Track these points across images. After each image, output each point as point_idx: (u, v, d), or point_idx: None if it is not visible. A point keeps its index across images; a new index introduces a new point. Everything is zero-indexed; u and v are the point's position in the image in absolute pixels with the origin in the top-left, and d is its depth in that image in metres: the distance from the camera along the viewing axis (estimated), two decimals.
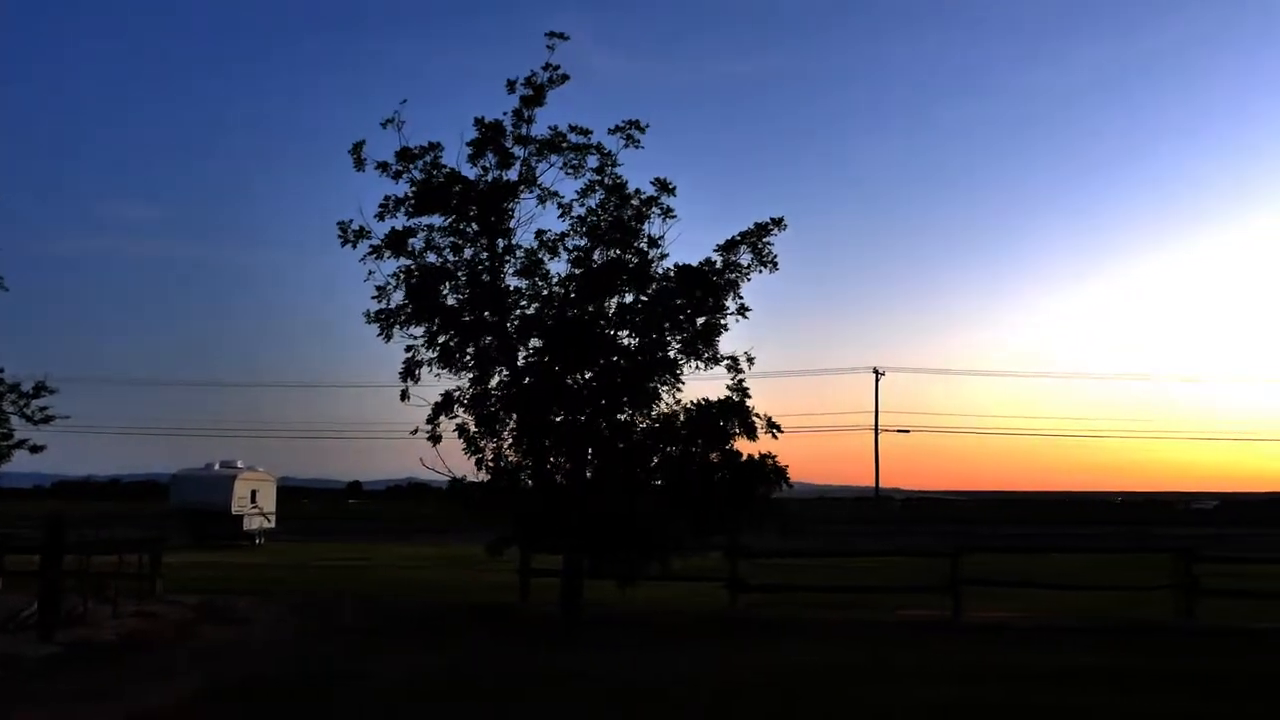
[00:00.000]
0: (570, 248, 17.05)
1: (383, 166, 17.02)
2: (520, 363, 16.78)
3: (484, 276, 17.02)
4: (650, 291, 16.71)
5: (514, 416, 16.65)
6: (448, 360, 16.75)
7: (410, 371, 16.82)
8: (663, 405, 16.51)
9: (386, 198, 16.98)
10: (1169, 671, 12.02)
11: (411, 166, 17.04)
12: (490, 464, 16.62)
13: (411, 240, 16.99)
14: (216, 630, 15.33)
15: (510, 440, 16.72)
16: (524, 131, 16.90)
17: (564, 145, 16.87)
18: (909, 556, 23.53)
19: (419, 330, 16.85)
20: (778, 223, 16.66)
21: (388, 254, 16.96)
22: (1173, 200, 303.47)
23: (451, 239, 17.01)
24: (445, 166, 17.03)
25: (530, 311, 16.99)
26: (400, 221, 17.01)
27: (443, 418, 16.66)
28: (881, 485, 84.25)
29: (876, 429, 77.54)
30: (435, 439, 16.58)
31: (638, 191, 16.80)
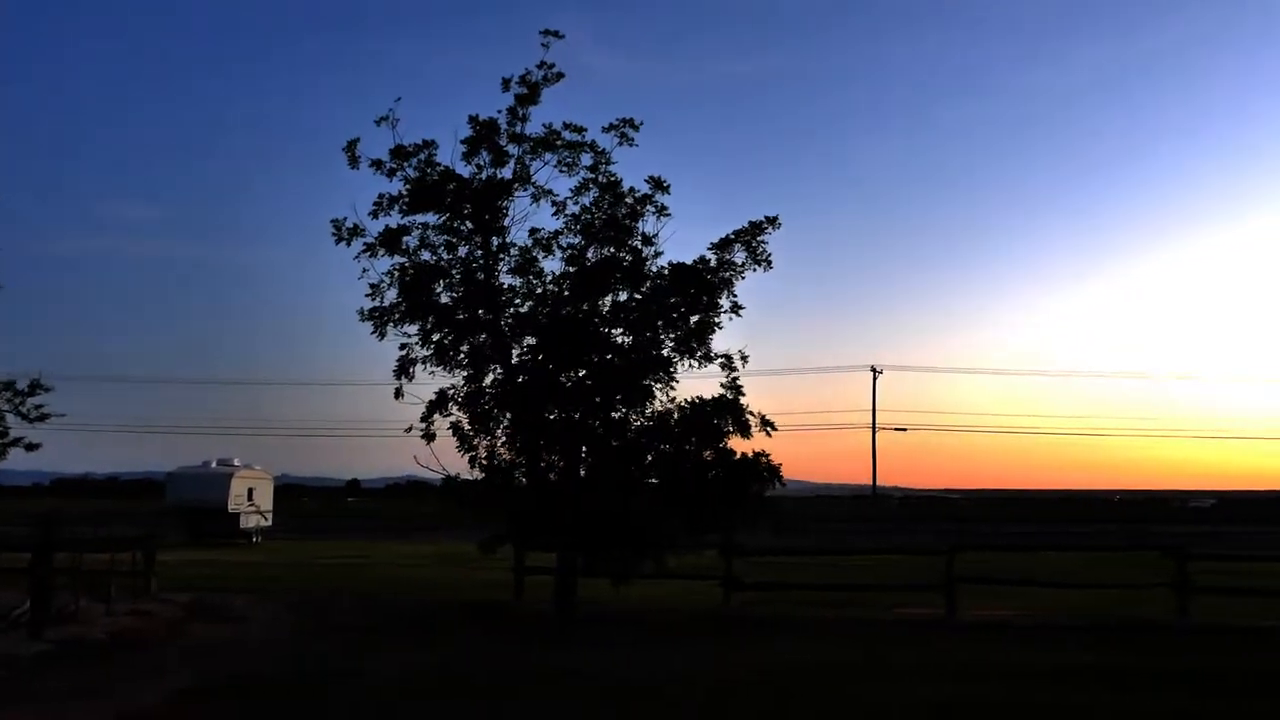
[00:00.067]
0: (564, 246, 17.07)
1: (377, 164, 17.02)
2: (514, 361, 16.77)
3: (478, 274, 17.00)
4: (644, 289, 16.70)
5: (508, 414, 16.64)
6: (442, 358, 16.75)
7: (404, 369, 16.81)
8: (657, 403, 16.55)
9: (381, 195, 17.01)
10: (1166, 670, 12.00)
11: (406, 164, 17.03)
12: (484, 462, 16.62)
13: (405, 238, 16.99)
14: (211, 628, 15.31)
15: (504, 438, 16.73)
16: (518, 129, 16.92)
17: (558, 143, 16.88)
18: (906, 555, 23.51)
19: (413, 328, 16.88)
20: (772, 221, 16.67)
21: (382, 252, 16.96)
22: (1172, 200, 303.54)
23: (445, 237, 17.01)
24: (439, 164, 17.05)
25: (524, 309, 16.98)
26: (394, 219, 17.05)
27: (437, 415, 16.67)
28: (879, 483, 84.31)
29: (874, 427, 77.59)
30: (429, 437, 16.59)
31: (632, 190, 16.82)
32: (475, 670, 12.11)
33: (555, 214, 17.13)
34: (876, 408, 77.86)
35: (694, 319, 16.61)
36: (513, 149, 16.93)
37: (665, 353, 16.60)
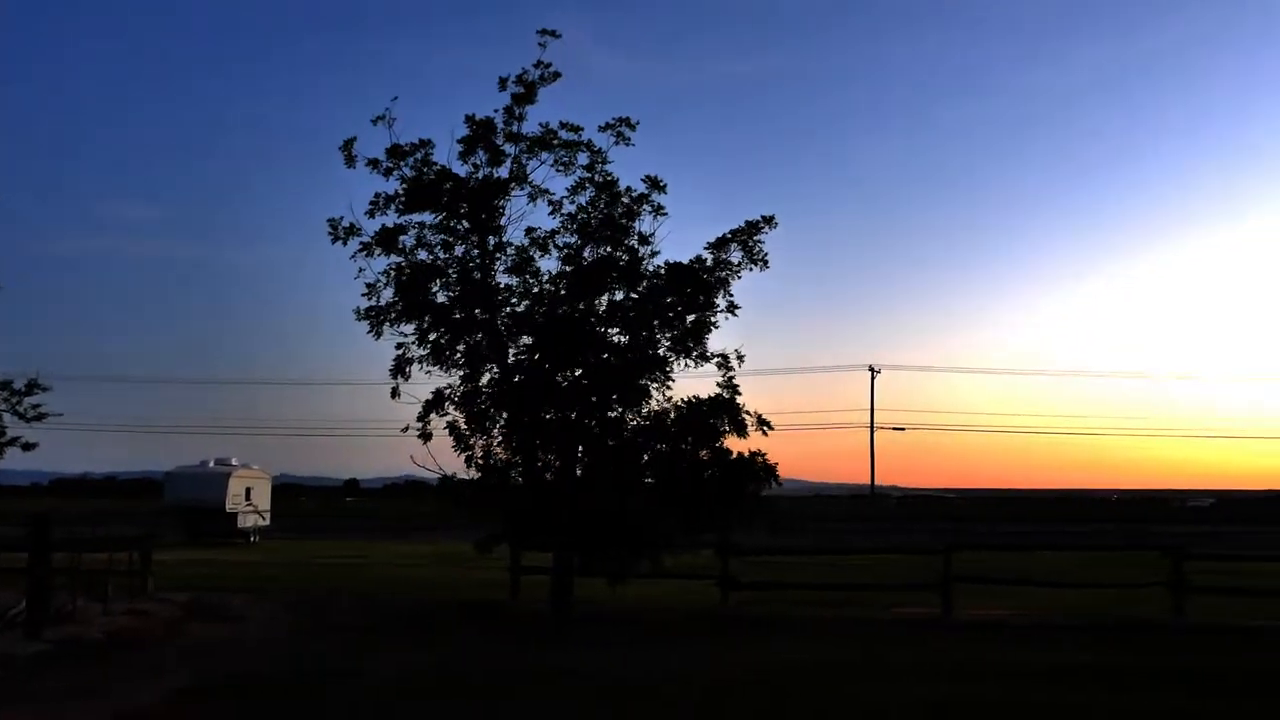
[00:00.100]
0: (561, 245, 17.06)
1: (373, 163, 17.00)
2: (510, 360, 16.76)
3: (474, 274, 17.00)
4: (641, 289, 16.70)
5: (504, 414, 16.63)
6: (438, 358, 16.74)
7: (401, 369, 16.80)
8: (653, 403, 16.55)
9: (377, 195, 16.99)
10: (1163, 669, 12.02)
11: (402, 164, 17.01)
12: (480, 461, 16.61)
13: (402, 237, 16.97)
14: (209, 628, 15.31)
15: (500, 438, 16.72)
16: (515, 129, 16.91)
17: (555, 142, 16.87)
18: (903, 554, 23.52)
19: (409, 328, 16.86)
20: (768, 221, 16.68)
21: (378, 251, 16.94)
22: (1172, 200, 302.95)
23: (442, 236, 17.00)
24: (436, 164, 17.02)
25: (520, 309, 16.98)
26: (391, 219, 17.02)
27: (433, 415, 16.65)
28: (877, 483, 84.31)
29: (872, 426, 77.73)
30: (426, 436, 16.57)
31: (628, 189, 16.81)
32: (472, 670, 12.12)
33: (552, 213, 17.14)
34: (875, 407, 78.15)
35: (690, 318, 16.61)
36: (509, 148, 16.93)
37: (661, 352, 16.60)
